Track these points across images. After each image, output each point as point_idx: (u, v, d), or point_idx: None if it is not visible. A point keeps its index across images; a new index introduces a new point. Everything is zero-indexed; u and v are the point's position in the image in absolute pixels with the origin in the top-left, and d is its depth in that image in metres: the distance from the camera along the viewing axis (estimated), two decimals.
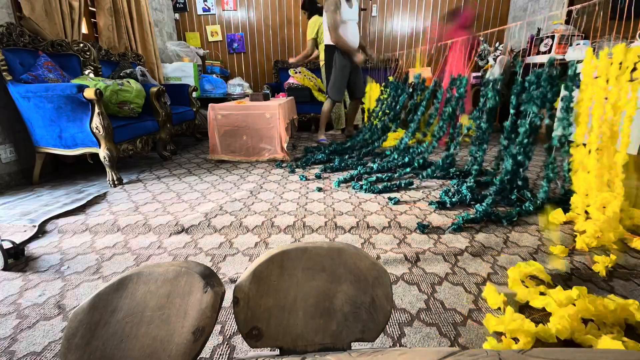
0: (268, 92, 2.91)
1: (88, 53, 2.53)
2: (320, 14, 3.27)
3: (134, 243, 1.36)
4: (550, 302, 0.90)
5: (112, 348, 0.37)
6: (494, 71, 3.44)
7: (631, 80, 1.30)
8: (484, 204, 1.51)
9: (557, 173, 1.62)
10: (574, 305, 0.88)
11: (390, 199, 1.71)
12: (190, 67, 3.77)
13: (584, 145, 1.47)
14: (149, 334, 0.38)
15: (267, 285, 0.44)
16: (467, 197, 1.64)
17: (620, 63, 1.34)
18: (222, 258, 1.25)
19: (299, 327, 0.42)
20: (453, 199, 1.62)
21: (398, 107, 2.87)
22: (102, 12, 2.97)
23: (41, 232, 1.46)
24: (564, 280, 1.06)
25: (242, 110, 2.53)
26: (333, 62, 3.04)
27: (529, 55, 3.32)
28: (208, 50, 4.51)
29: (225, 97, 3.93)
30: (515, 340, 0.81)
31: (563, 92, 1.57)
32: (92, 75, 2.48)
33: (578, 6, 1.77)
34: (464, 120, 2.28)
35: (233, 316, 0.45)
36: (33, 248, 1.34)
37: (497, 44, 4.10)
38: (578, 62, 1.56)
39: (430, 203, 1.64)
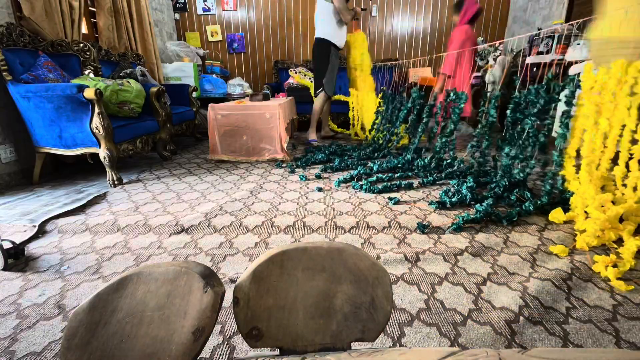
0: (268, 92, 2.91)
1: (88, 53, 2.53)
2: None
3: (134, 243, 1.36)
4: None
5: (112, 348, 0.37)
6: (494, 71, 3.44)
7: (631, 94, 1.32)
8: (484, 204, 1.51)
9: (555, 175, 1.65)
10: None
11: (390, 199, 1.71)
12: (190, 67, 3.77)
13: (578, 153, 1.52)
14: (149, 334, 0.38)
15: (267, 285, 0.44)
16: (467, 197, 1.65)
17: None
18: (222, 258, 1.25)
19: (299, 327, 0.42)
20: (453, 199, 1.62)
21: (398, 123, 2.84)
22: (102, 12, 2.97)
23: (41, 232, 1.46)
24: None
25: (242, 110, 2.53)
26: (328, 57, 3.01)
27: (529, 55, 3.31)
28: (208, 50, 4.51)
29: (225, 97, 3.93)
30: None
31: (563, 107, 1.62)
32: (92, 75, 2.48)
33: (579, 21, 1.80)
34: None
35: (233, 316, 0.45)
36: (33, 248, 1.34)
37: (497, 44, 4.09)
38: (577, 76, 1.60)
39: (431, 203, 1.64)
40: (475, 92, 4.08)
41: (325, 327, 0.42)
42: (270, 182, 2.07)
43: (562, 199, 1.57)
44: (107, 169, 2.05)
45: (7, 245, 1.21)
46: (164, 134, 2.64)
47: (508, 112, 1.87)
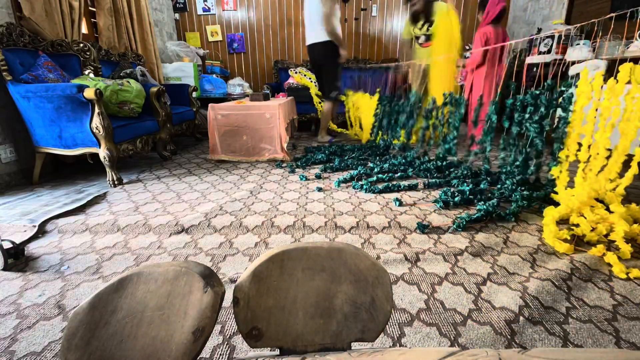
0: (268, 92, 2.91)
1: (88, 53, 2.53)
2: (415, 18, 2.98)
3: (134, 243, 1.36)
4: None
5: (112, 348, 0.37)
6: None
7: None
8: (487, 203, 1.51)
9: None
10: None
11: (390, 199, 1.70)
12: (190, 67, 3.77)
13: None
14: (149, 334, 0.38)
15: (267, 285, 0.44)
16: (467, 194, 1.65)
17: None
18: (222, 258, 1.25)
19: (299, 327, 0.42)
20: (455, 199, 1.62)
21: (398, 127, 2.83)
22: (102, 12, 2.97)
23: (41, 232, 1.46)
24: None
25: (242, 110, 2.53)
26: (338, 59, 2.99)
27: (528, 55, 3.31)
28: (208, 50, 4.51)
29: (225, 97, 3.93)
30: None
31: (560, 113, 1.65)
32: (92, 75, 2.48)
33: (577, 25, 1.81)
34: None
35: (233, 316, 0.45)
36: (33, 248, 1.34)
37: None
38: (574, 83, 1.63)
39: (435, 201, 1.64)
40: None
41: (325, 327, 0.42)
42: (270, 182, 2.07)
43: (545, 193, 1.62)
44: (107, 169, 2.05)
45: (7, 245, 1.21)
46: (164, 134, 2.64)
47: (509, 118, 1.89)
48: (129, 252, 1.30)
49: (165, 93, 2.74)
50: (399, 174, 2.08)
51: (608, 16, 1.59)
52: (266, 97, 2.80)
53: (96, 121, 1.93)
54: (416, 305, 0.97)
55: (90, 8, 3.01)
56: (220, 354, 0.81)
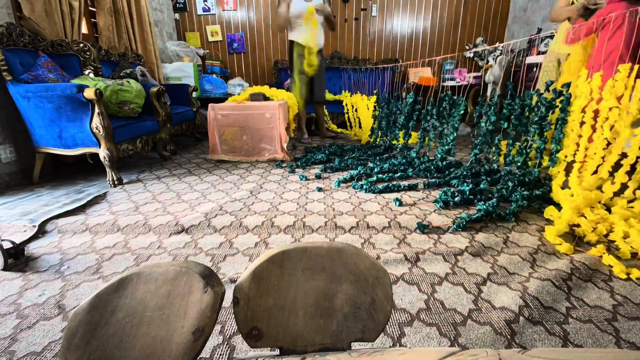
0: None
1: (88, 53, 2.53)
2: None
3: (134, 243, 1.36)
4: None
5: (112, 348, 0.37)
6: (494, 71, 3.44)
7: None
8: (487, 203, 1.52)
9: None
10: None
11: (390, 199, 1.70)
12: (190, 67, 3.77)
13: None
14: (149, 334, 0.38)
15: (267, 285, 0.44)
16: (467, 194, 1.65)
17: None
18: (222, 258, 1.25)
19: (299, 327, 0.42)
20: (455, 199, 1.62)
21: (397, 129, 2.83)
22: (102, 12, 2.97)
23: (41, 232, 1.46)
24: None
25: (242, 110, 2.53)
26: (292, 59, 3.07)
27: (528, 55, 3.32)
28: (208, 50, 4.51)
29: (225, 97, 3.93)
30: None
31: (559, 114, 1.66)
32: (92, 75, 2.48)
33: (577, 25, 1.81)
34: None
35: (233, 316, 0.45)
36: (33, 248, 1.34)
37: (497, 44, 4.10)
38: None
39: (435, 201, 1.64)
40: (475, 93, 4.08)
41: (325, 327, 0.42)
42: (270, 182, 2.07)
43: (543, 192, 1.64)
44: (107, 169, 2.05)
45: (7, 245, 1.21)
46: (164, 134, 2.64)
47: (512, 120, 1.90)
48: (129, 252, 1.30)
49: (165, 93, 2.74)
50: (399, 174, 2.08)
51: (608, 15, 1.59)
52: (266, 97, 2.80)
53: (96, 121, 1.93)
54: (416, 305, 0.97)
55: (90, 8, 3.01)
56: (220, 354, 0.81)
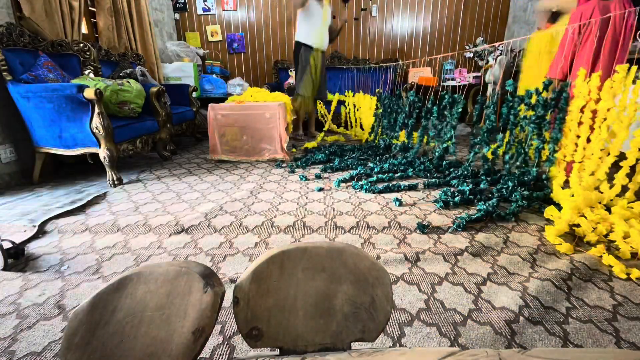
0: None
1: (88, 53, 2.53)
2: None
3: (134, 243, 1.36)
4: None
5: (112, 348, 0.37)
6: (494, 71, 3.44)
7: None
8: (487, 203, 1.52)
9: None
10: None
11: (390, 199, 1.70)
12: (190, 67, 3.77)
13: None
14: (149, 334, 0.38)
15: (267, 285, 0.44)
16: (467, 194, 1.65)
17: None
18: (222, 258, 1.25)
19: (299, 327, 0.42)
20: (455, 199, 1.62)
21: (397, 127, 2.83)
22: (102, 12, 2.97)
23: (41, 232, 1.46)
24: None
25: (242, 110, 2.53)
26: (299, 58, 3.13)
27: None
28: (208, 50, 4.51)
29: (225, 97, 3.93)
30: None
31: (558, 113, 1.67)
32: (92, 75, 2.48)
33: (576, 24, 1.82)
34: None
35: (233, 316, 0.45)
36: (33, 248, 1.34)
37: (496, 43, 4.09)
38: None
39: (435, 201, 1.64)
40: (474, 93, 4.08)
41: (325, 327, 0.42)
42: (270, 182, 2.07)
43: (544, 194, 1.64)
44: (107, 169, 2.05)
45: (7, 245, 1.21)
46: (164, 134, 2.64)
47: (510, 117, 1.90)
48: (129, 252, 1.30)
49: (165, 93, 2.74)
50: (399, 174, 2.08)
51: (607, 15, 1.59)
52: None
53: (96, 121, 1.93)
54: (416, 305, 0.97)
55: (90, 8, 3.01)
56: (220, 354, 0.81)
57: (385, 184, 1.92)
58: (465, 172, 2.01)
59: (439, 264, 1.16)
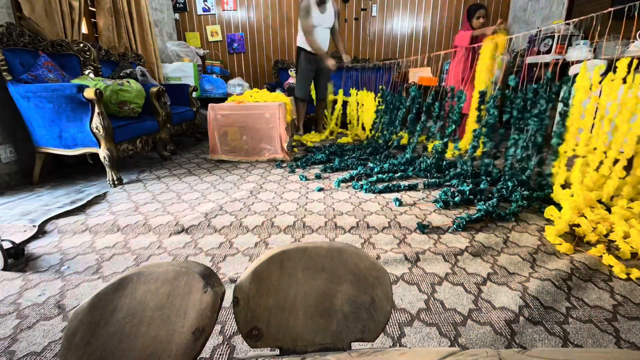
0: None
1: (88, 53, 2.53)
2: None
3: (134, 243, 1.36)
4: None
5: (112, 348, 0.37)
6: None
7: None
8: (487, 203, 1.52)
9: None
10: None
11: (390, 199, 1.70)
12: (190, 67, 3.77)
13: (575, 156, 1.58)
14: (149, 334, 0.38)
15: (267, 285, 0.44)
16: (467, 194, 1.65)
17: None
18: (222, 258, 1.25)
19: (299, 327, 0.42)
20: (455, 199, 1.62)
21: (397, 122, 2.85)
22: (102, 12, 2.97)
23: (41, 232, 1.46)
24: None
25: (242, 110, 2.53)
26: (299, 63, 3.22)
27: (528, 55, 3.32)
28: (208, 50, 4.50)
29: (225, 97, 3.93)
30: None
31: (561, 107, 1.66)
32: (92, 75, 2.48)
33: (576, 20, 1.83)
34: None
35: (233, 316, 0.45)
36: (33, 248, 1.34)
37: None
38: (573, 77, 1.64)
39: (435, 201, 1.64)
40: None
41: (325, 327, 0.42)
42: (270, 182, 2.07)
43: (545, 194, 1.63)
44: (107, 169, 2.05)
45: (7, 245, 1.21)
46: (164, 134, 2.64)
47: (514, 112, 1.91)
48: (129, 252, 1.30)
49: (165, 93, 2.74)
50: (399, 174, 2.08)
51: (607, 10, 1.59)
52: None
53: (96, 121, 1.93)
54: (416, 305, 0.97)
55: (90, 8, 3.01)
56: (220, 354, 0.81)
57: (385, 184, 1.92)
58: (465, 167, 2.01)
59: (439, 264, 1.16)
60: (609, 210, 1.39)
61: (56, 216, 1.57)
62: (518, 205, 1.51)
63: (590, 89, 1.53)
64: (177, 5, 4.39)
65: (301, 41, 3.16)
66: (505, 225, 1.43)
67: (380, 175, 2.04)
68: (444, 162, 2.22)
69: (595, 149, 1.48)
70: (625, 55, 2.37)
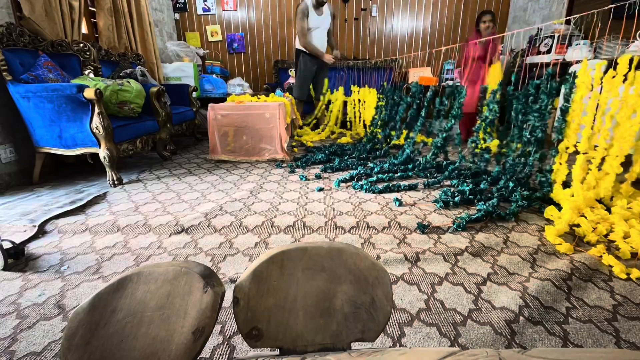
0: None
1: (88, 53, 2.53)
2: None
3: (134, 243, 1.36)
4: None
5: (112, 348, 0.37)
6: None
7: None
8: (487, 203, 1.51)
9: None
10: None
11: (390, 199, 1.70)
12: (190, 67, 3.77)
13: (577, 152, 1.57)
14: (149, 334, 0.38)
15: (267, 285, 0.44)
16: (467, 194, 1.65)
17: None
18: (222, 258, 1.25)
19: (299, 327, 0.42)
20: (455, 199, 1.62)
21: (398, 117, 2.86)
22: (102, 12, 2.97)
23: (41, 232, 1.46)
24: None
25: (242, 110, 2.53)
26: (298, 65, 3.26)
27: (528, 55, 3.32)
28: (208, 50, 4.50)
29: (225, 97, 3.93)
30: None
31: (561, 102, 1.66)
32: (92, 75, 2.48)
33: (577, 15, 1.83)
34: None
35: (233, 316, 0.45)
36: (33, 248, 1.34)
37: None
38: (574, 75, 1.64)
39: (435, 201, 1.64)
40: None
41: (325, 327, 0.42)
42: (270, 182, 2.07)
43: (544, 194, 1.62)
44: (107, 169, 2.05)
45: (7, 245, 1.21)
46: (164, 134, 2.64)
47: (515, 107, 1.91)
48: (129, 252, 1.30)
49: (165, 93, 2.74)
50: (399, 174, 2.08)
51: (607, 7, 1.59)
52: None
53: (96, 121, 1.93)
54: (416, 305, 0.97)
55: (90, 8, 3.00)
56: (220, 354, 0.81)
57: (385, 184, 1.92)
58: (465, 172, 2.01)
59: (439, 264, 1.16)
60: (609, 210, 1.39)
61: (56, 216, 1.57)
62: (518, 205, 1.51)
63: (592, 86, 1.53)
64: (177, 5, 4.39)
65: (300, 44, 3.20)
66: (505, 225, 1.43)
67: (380, 175, 2.04)
68: (444, 162, 2.22)
69: (596, 146, 1.47)
70: (626, 55, 2.38)
